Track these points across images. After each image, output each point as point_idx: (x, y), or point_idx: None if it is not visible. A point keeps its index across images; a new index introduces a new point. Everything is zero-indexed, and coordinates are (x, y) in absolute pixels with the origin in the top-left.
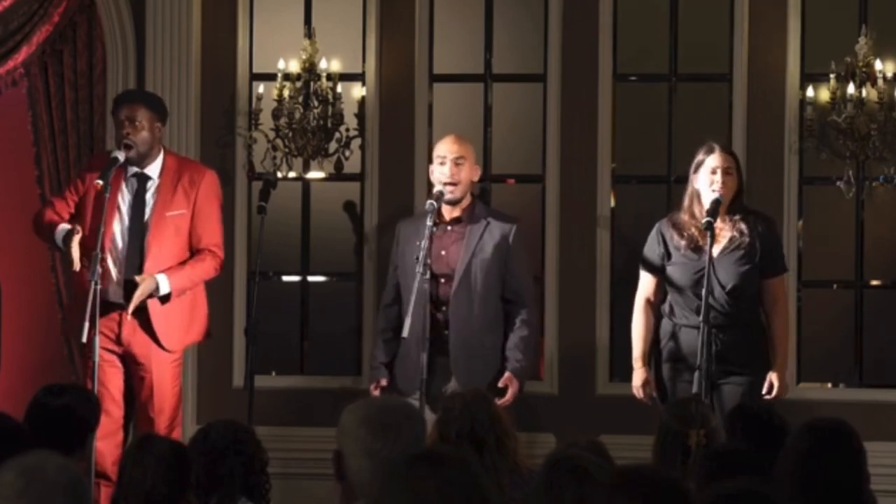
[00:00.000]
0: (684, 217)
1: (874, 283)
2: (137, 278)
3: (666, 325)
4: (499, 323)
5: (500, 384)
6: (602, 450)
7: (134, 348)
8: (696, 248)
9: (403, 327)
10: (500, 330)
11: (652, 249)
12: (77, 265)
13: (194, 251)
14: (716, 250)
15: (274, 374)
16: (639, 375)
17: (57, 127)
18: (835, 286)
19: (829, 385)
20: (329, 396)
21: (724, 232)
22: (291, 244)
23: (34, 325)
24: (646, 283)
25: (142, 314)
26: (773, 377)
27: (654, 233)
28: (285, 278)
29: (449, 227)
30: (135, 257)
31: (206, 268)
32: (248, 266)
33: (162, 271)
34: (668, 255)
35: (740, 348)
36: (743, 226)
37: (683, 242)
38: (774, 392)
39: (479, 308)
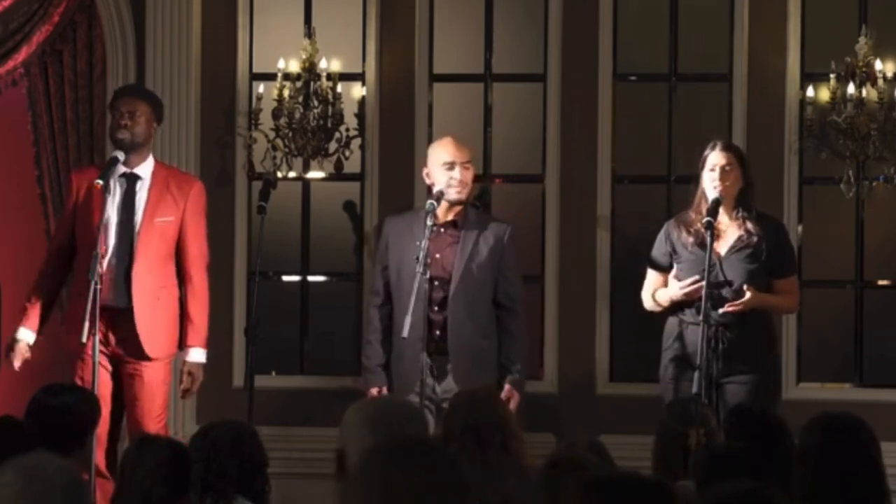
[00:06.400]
0: (692, 215)
1: (874, 283)
2: (188, 370)
3: (672, 324)
4: (493, 327)
5: (504, 396)
6: (602, 450)
7: (121, 346)
8: (704, 246)
9: (403, 327)
10: (494, 334)
11: (659, 249)
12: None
13: (182, 268)
14: (723, 248)
15: (274, 374)
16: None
17: (57, 127)
18: (835, 286)
19: (830, 385)
20: (329, 396)
21: (731, 230)
22: (291, 244)
23: None
24: (653, 280)
25: (127, 323)
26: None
27: (661, 233)
28: (285, 278)
29: (443, 230)
30: (123, 259)
31: (204, 296)
32: (248, 266)
33: (189, 345)
34: (675, 253)
35: (745, 347)
36: (750, 225)
37: (691, 239)
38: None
39: (474, 313)
